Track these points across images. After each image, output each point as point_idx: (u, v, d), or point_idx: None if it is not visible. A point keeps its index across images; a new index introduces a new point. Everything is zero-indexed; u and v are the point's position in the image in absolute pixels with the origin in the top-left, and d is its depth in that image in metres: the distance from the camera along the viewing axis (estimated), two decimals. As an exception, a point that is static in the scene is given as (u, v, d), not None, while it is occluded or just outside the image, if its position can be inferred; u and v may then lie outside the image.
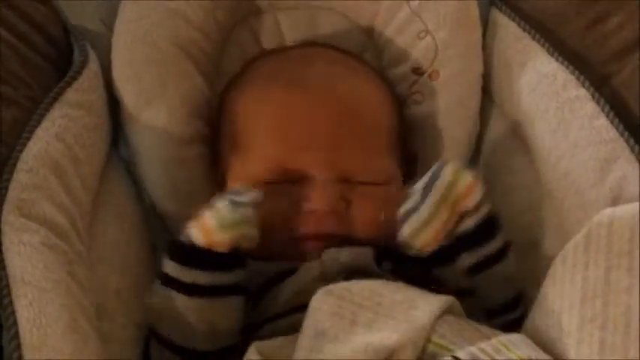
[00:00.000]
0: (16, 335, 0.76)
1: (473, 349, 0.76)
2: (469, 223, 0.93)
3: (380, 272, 0.94)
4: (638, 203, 0.83)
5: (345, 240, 0.96)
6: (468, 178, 0.93)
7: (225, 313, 0.90)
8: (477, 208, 0.93)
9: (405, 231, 0.92)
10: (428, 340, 0.79)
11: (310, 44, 1.14)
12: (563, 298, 0.82)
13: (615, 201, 0.90)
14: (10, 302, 0.78)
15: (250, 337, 0.88)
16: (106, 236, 0.99)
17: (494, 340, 0.78)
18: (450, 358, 0.75)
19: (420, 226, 0.91)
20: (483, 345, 0.77)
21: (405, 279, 0.92)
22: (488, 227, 0.94)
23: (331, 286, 0.83)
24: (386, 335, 0.78)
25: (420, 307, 0.82)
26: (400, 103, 1.11)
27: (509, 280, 0.96)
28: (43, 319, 0.77)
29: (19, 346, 0.75)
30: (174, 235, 1.07)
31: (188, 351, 0.90)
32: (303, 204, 0.96)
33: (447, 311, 0.83)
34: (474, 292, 0.94)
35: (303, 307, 0.87)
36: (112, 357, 0.86)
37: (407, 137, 1.10)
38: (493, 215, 0.95)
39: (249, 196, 0.91)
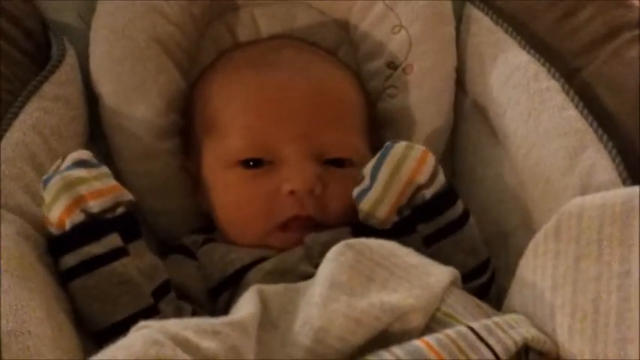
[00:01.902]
0: None
1: (487, 321, 0.78)
2: (425, 195, 0.96)
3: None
4: (606, 192, 0.84)
5: (321, 225, 0.98)
6: (417, 152, 0.96)
7: (112, 280, 0.88)
8: (431, 179, 0.96)
9: (361, 210, 0.96)
10: (437, 308, 0.81)
11: (280, 36, 1.15)
12: (536, 286, 0.83)
13: (584, 189, 0.92)
14: None
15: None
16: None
17: (506, 316, 0.80)
18: (464, 327, 0.76)
19: (374, 204, 0.95)
20: (497, 319, 0.79)
21: None
22: (444, 197, 0.97)
23: (352, 240, 0.84)
24: (401, 297, 0.80)
25: (433, 274, 0.84)
26: (369, 96, 1.13)
27: (469, 249, 0.98)
28: (20, 306, 0.78)
29: None
30: (152, 228, 1.09)
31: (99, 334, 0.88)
32: (281, 187, 0.98)
33: (453, 282, 0.86)
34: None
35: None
36: (86, 348, 0.85)
37: (381, 129, 1.12)
38: (449, 186, 0.98)
39: (54, 169, 0.89)
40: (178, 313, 0.92)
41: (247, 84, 1.03)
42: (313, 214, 0.98)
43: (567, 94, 1.00)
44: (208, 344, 0.70)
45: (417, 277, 0.83)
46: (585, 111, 0.98)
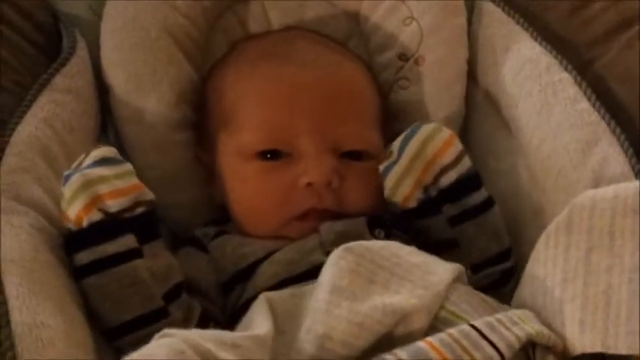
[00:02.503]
0: (6, 313, 0.77)
1: (490, 319, 0.77)
2: (451, 176, 0.98)
3: (374, 240, 0.95)
4: (619, 185, 0.84)
5: (338, 216, 0.99)
6: (444, 134, 0.98)
7: (124, 280, 0.88)
8: (456, 161, 0.97)
9: (386, 186, 0.98)
10: (441, 306, 0.81)
11: (292, 28, 1.15)
12: (546, 278, 0.83)
13: (597, 182, 0.91)
14: (0, 282, 0.79)
15: (245, 307, 0.88)
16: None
17: (509, 313, 0.80)
18: (467, 326, 0.76)
19: (398, 181, 0.97)
20: (500, 316, 0.78)
21: None
22: (470, 180, 0.99)
23: (352, 244, 0.84)
24: (403, 298, 0.79)
25: (435, 273, 0.83)
26: (381, 88, 1.12)
27: (493, 234, 0.99)
28: (32, 297, 0.78)
29: (8, 323, 0.76)
30: (164, 221, 1.09)
31: (109, 332, 0.88)
32: (299, 180, 0.98)
33: (457, 279, 0.85)
34: (458, 244, 0.98)
35: (297, 278, 0.90)
36: (97, 341, 0.86)
37: (391, 121, 1.12)
38: (475, 171, 1.00)
39: (75, 166, 0.89)
40: (188, 314, 0.93)
41: (262, 77, 1.04)
42: (330, 206, 0.99)
43: (580, 86, 0.99)
44: (227, 356, 0.71)
45: (420, 277, 0.83)
46: (598, 103, 0.97)
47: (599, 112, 0.96)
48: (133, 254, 0.89)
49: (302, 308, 0.81)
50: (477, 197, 0.99)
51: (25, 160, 0.91)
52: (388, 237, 0.98)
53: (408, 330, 0.79)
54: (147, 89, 1.07)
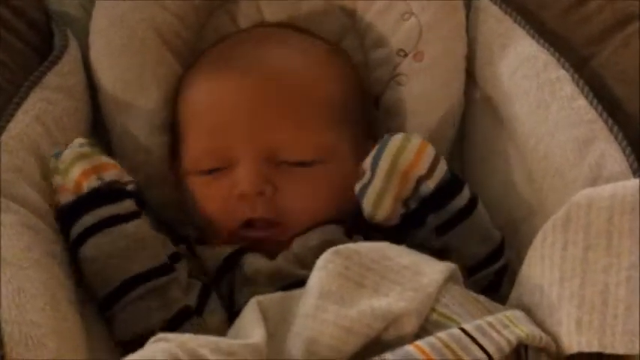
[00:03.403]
0: None
1: (480, 322, 0.76)
2: (429, 186, 0.96)
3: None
4: (617, 184, 0.83)
5: (283, 226, 0.98)
6: (414, 144, 0.96)
7: (130, 237, 0.92)
8: (431, 170, 0.96)
9: (365, 206, 0.96)
10: (432, 308, 0.80)
11: (261, 25, 1.14)
12: (543, 277, 0.82)
13: (595, 180, 0.91)
14: None
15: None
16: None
17: (500, 315, 0.79)
18: (457, 329, 0.75)
19: (376, 199, 0.95)
20: (490, 318, 0.77)
21: None
22: (450, 185, 0.97)
23: (340, 247, 0.83)
24: (392, 301, 0.78)
25: (426, 274, 0.82)
26: (361, 81, 1.11)
27: (481, 234, 0.98)
28: (22, 295, 0.78)
29: None
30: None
31: (110, 295, 0.90)
32: (232, 189, 0.98)
33: (449, 279, 0.84)
34: (450, 252, 0.96)
35: (286, 288, 0.88)
36: (91, 337, 0.86)
37: (387, 119, 1.11)
38: (452, 174, 0.98)
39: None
40: (189, 284, 0.94)
41: (199, 87, 1.04)
42: (266, 215, 0.97)
43: (577, 84, 0.99)
44: None
45: (409, 279, 0.82)
46: (595, 101, 0.96)
47: (596, 109, 0.96)
48: (136, 215, 0.94)
49: (293, 312, 0.80)
50: (460, 201, 0.97)
51: (16, 158, 0.90)
52: (368, 240, 0.95)
53: (398, 333, 0.78)
54: (134, 90, 1.06)
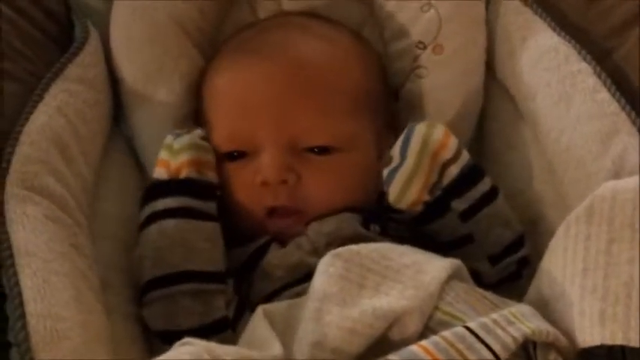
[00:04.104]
0: (21, 304, 0.76)
1: (485, 319, 0.76)
2: (453, 171, 0.97)
3: (370, 236, 0.95)
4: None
5: (305, 214, 0.98)
6: (440, 130, 0.98)
7: (203, 234, 0.94)
8: (456, 156, 0.97)
9: (392, 192, 0.96)
10: (436, 307, 0.79)
11: (285, 14, 1.14)
12: (565, 268, 0.82)
13: (617, 174, 0.90)
14: (14, 273, 0.78)
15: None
16: (108, 211, 0.99)
17: (505, 311, 0.78)
18: (461, 328, 0.74)
19: (405, 184, 0.96)
20: (495, 316, 0.77)
21: (395, 239, 0.94)
22: (472, 172, 0.98)
23: (340, 249, 0.83)
24: (393, 300, 0.78)
25: (427, 272, 0.82)
26: (384, 71, 1.11)
27: (505, 222, 0.99)
28: (47, 288, 0.78)
29: (23, 315, 0.75)
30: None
31: (161, 280, 0.92)
32: (255, 177, 0.98)
33: (453, 276, 0.83)
34: (474, 239, 0.97)
35: (300, 280, 0.89)
36: (115, 329, 0.87)
37: (407, 111, 1.10)
38: (474, 162, 0.99)
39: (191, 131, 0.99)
40: (232, 297, 0.94)
41: (225, 74, 1.03)
42: (288, 204, 0.98)
43: (599, 76, 0.98)
44: None
45: (411, 278, 0.81)
46: (618, 94, 0.96)
47: (619, 102, 0.95)
48: (213, 218, 0.96)
49: (298, 318, 0.80)
50: (483, 187, 0.98)
51: (38, 150, 0.90)
52: (384, 231, 0.97)
53: (402, 333, 0.77)
54: (156, 81, 1.06)
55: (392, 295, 0.79)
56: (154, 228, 0.93)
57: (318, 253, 0.91)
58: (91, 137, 0.99)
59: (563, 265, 0.82)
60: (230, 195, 1.00)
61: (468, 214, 0.97)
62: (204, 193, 0.96)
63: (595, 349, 0.78)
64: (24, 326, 0.75)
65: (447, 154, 0.97)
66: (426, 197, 0.97)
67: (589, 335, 0.77)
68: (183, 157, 0.96)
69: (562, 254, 0.83)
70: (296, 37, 1.05)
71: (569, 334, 0.80)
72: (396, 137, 1.01)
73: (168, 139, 0.99)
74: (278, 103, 0.99)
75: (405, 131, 0.98)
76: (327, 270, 0.81)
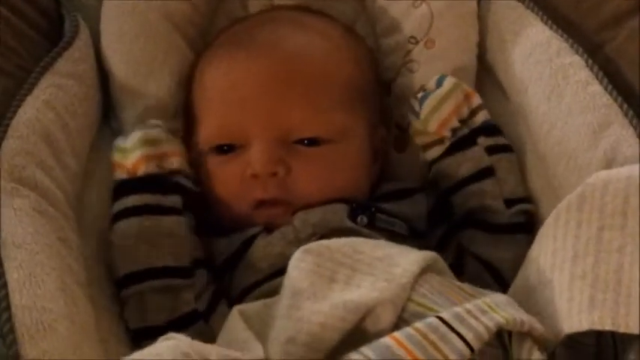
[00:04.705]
0: (6, 296, 0.76)
1: (458, 309, 0.75)
2: (480, 117, 1.05)
3: (355, 228, 0.95)
4: (633, 166, 0.82)
5: (295, 205, 0.97)
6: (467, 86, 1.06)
7: (165, 229, 0.94)
8: (482, 107, 1.05)
9: (422, 111, 1.02)
10: (409, 299, 0.78)
11: (276, 8, 1.14)
12: (555, 255, 0.81)
13: (609, 165, 0.90)
14: (0, 264, 0.78)
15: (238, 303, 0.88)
16: (95, 206, 0.99)
17: (479, 301, 0.77)
18: (434, 318, 0.73)
19: (437, 104, 1.02)
20: (469, 305, 0.76)
21: (382, 232, 0.95)
22: (495, 126, 1.06)
23: (310, 245, 0.83)
24: (365, 292, 0.77)
25: (400, 265, 0.81)
26: (377, 64, 1.11)
27: (519, 179, 1.03)
28: (32, 280, 0.77)
29: (8, 307, 0.75)
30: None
31: (127, 277, 0.92)
32: (245, 170, 0.98)
33: (428, 268, 0.82)
34: (495, 173, 1.02)
35: (280, 272, 0.87)
36: (102, 324, 0.86)
37: (399, 105, 1.10)
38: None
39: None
40: (204, 288, 0.94)
41: (216, 68, 1.03)
42: (278, 196, 0.97)
43: (591, 69, 0.98)
44: None
45: (382, 270, 0.80)
46: (610, 86, 0.96)
47: (611, 94, 0.95)
48: (177, 212, 0.96)
49: (274, 317, 0.80)
50: (504, 140, 1.04)
51: (26, 143, 0.90)
52: (372, 222, 0.97)
53: (375, 325, 0.76)
54: (146, 76, 1.06)
55: (363, 287, 0.78)
56: (117, 227, 0.94)
57: (301, 243, 0.90)
58: (80, 131, 0.99)
59: (552, 251, 0.82)
60: (218, 187, 1.00)
61: (492, 150, 1.02)
62: (164, 187, 0.96)
63: (583, 335, 0.78)
64: (9, 318, 0.74)
65: (475, 101, 1.04)
66: (456, 124, 1.02)
67: (577, 321, 0.77)
68: (137, 155, 0.96)
69: (552, 241, 0.82)
70: (286, 31, 1.05)
71: (555, 321, 0.79)
72: (388, 130, 1.01)
73: (117, 140, 0.99)
74: (268, 96, 0.99)
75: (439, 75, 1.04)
76: (297, 265, 0.81)
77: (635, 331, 0.74)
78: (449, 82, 1.03)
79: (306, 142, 0.99)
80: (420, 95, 1.03)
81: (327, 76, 1.02)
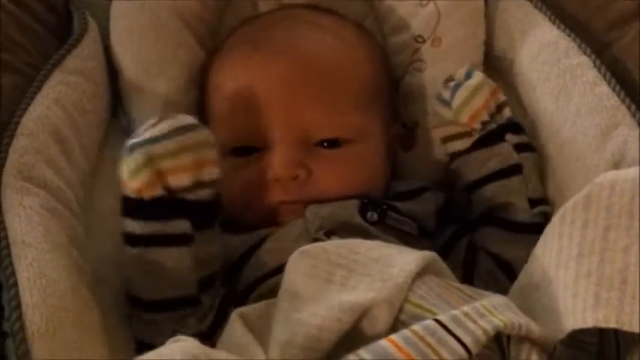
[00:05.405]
0: (16, 295, 0.76)
1: (456, 312, 0.74)
2: (507, 113, 1.04)
3: (364, 225, 0.95)
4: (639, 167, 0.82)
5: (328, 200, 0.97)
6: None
7: (168, 262, 0.87)
8: (505, 104, 1.04)
9: (454, 102, 1.02)
10: (407, 300, 0.78)
11: (290, 7, 1.13)
12: (560, 254, 0.81)
13: (617, 166, 0.90)
14: (11, 263, 0.78)
15: (243, 299, 0.90)
16: (104, 204, 0.98)
17: (477, 304, 0.77)
18: (432, 321, 0.73)
19: (468, 96, 1.02)
20: (466, 308, 0.75)
21: (391, 229, 0.95)
22: (518, 123, 1.05)
23: (307, 247, 0.82)
24: (361, 293, 0.77)
25: (396, 265, 0.80)
26: (386, 66, 1.11)
27: (541, 180, 1.02)
28: (43, 279, 0.78)
29: (19, 306, 0.75)
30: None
31: (134, 300, 0.89)
32: (267, 173, 0.97)
33: (427, 269, 0.82)
34: (522, 171, 1.01)
35: (277, 271, 0.87)
36: (109, 323, 0.86)
37: (407, 104, 1.10)
38: None
39: (146, 132, 0.87)
40: (214, 300, 0.92)
41: (234, 67, 1.03)
42: (299, 198, 0.97)
43: (599, 70, 0.98)
44: None
45: (379, 271, 0.80)
46: (617, 87, 0.96)
47: (618, 95, 0.95)
48: (184, 240, 0.88)
49: (273, 320, 0.80)
50: (527, 138, 1.04)
51: (36, 141, 0.90)
52: (382, 219, 0.97)
53: (372, 326, 0.76)
54: (156, 73, 1.06)
55: (359, 288, 0.78)
56: (127, 250, 0.88)
57: (310, 236, 0.92)
58: (89, 129, 0.99)
59: (557, 250, 0.82)
60: (235, 189, 0.99)
61: (520, 147, 1.02)
62: (171, 211, 0.88)
63: (585, 334, 0.78)
64: (20, 317, 0.75)
65: (501, 97, 1.04)
66: (486, 118, 1.02)
67: (581, 318, 0.76)
68: (140, 180, 0.86)
69: (557, 240, 0.82)
70: (304, 32, 1.05)
71: (559, 318, 0.79)
72: (399, 128, 1.01)
73: (124, 155, 0.87)
74: (288, 99, 0.98)
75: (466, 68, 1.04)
76: (294, 268, 0.81)
77: (638, 331, 0.74)
78: (478, 75, 1.03)
79: (325, 143, 0.99)
80: (452, 84, 1.03)
81: (344, 76, 1.02)
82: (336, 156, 0.99)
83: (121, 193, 0.88)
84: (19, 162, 0.87)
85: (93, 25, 1.07)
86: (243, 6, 1.15)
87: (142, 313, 0.89)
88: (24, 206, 0.83)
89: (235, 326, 0.80)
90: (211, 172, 0.88)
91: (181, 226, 0.88)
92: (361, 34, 1.09)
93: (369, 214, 0.97)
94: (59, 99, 0.95)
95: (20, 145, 0.88)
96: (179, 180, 0.87)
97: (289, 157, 0.97)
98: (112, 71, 1.07)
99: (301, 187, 0.97)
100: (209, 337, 0.88)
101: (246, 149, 1.00)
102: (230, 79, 1.02)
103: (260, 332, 0.79)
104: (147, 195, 0.86)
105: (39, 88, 0.95)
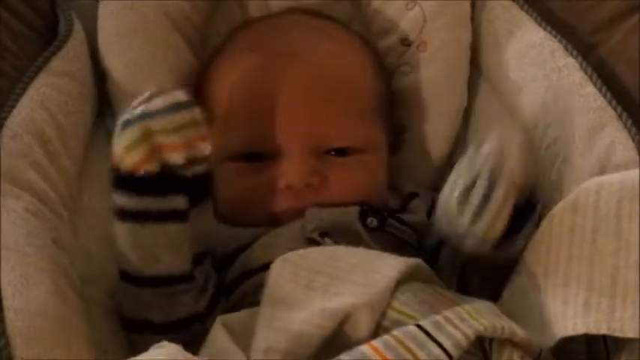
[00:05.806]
0: None
1: (437, 317, 0.75)
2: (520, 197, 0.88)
3: (360, 230, 0.94)
4: (626, 172, 0.83)
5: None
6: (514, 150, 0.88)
7: (163, 239, 0.87)
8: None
9: (486, 218, 0.85)
10: (390, 306, 0.78)
11: (292, 12, 1.13)
12: (549, 259, 0.82)
13: (603, 168, 0.90)
14: None
15: (230, 292, 0.91)
16: (90, 205, 0.98)
17: (458, 308, 0.77)
18: (413, 326, 0.73)
19: (494, 219, 0.86)
20: (448, 313, 0.75)
21: (389, 236, 0.94)
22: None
23: (289, 254, 0.82)
24: (342, 299, 0.77)
25: (379, 271, 0.80)
26: (387, 71, 1.11)
27: None
28: (25, 282, 0.77)
29: (1, 309, 0.75)
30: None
31: (125, 275, 0.89)
32: (278, 181, 0.97)
33: (411, 275, 0.82)
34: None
35: (262, 268, 0.87)
36: (96, 323, 0.86)
37: (394, 108, 1.10)
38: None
39: (140, 109, 0.86)
40: (208, 280, 0.92)
41: (246, 71, 1.01)
42: (310, 205, 0.97)
43: (585, 71, 0.98)
44: None
45: (361, 277, 0.80)
46: (604, 88, 0.96)
47: (605, 97, 0.95)
48: (179, 216, 0.88)
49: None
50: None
51: (20, 144, 0.89)
52: (382, 226, 0.96)
53: (354, 332, 0.76)
54: (145, 75, 1.05)
55: (341, 294, 0.78)
56: (119, 226, 0.88)
57: (305, 236, 0.91)
58: (74, 131, 0.98)
59: (546, 255, 0.82)
60: (241, 193, 0.98)
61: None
62: (168, 187, 0.87)
63: (574, 343, 0.79)
64: (2, 320, 0.74)
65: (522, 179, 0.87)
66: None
67: (571, 325, 0.77)
68: (137, 156, 0.85)
69: (546, 245, 0.83)
70: (315, 39, 1.05)
71: (549, 325, 0.79)
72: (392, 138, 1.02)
73: (119, 130, 0.87)
74: (300, 107, 0.98)
75: (485, 154, 0.87)
76: (277, 276, 0.81)
77: (630, 335, 0.74)
78: (503, 186, 0.85)
79: (333, 152, 0.99)
80: (473, 207, 0.86)
81: (357, 87, 1.03)
82: (346, 164, 0.99)
83: (113, 167, 0.87)
84: (4, 164, 0.86)
85: (78, 27, 1.06)
86: (231, 8, 1.15)
87: (134, 289, 0.88)
88: (7, 209, 0.83)
89: (218, 333, 0.80)
90: (204, 148, 0.88)
91: (177, 202, 0.88)
92: (364, 44, 1.10)
93: (368, 220, 0.96)
94: (44, 101, 0.95)
95: (4, 147, 0.87)
96: (175, 156, 0.86)
97: (304, 165, 0.97)
98: (98, 72, 1.07)
99: (313, 194, 0.97)
100: (205, 318, 0.89)
101: (254, 155, 0.99)
102: (236, 83, 1.01)
103: (243, 339, 0.78)
104: (143, 170, 0.85)
105: (24, 90, 0.94)
